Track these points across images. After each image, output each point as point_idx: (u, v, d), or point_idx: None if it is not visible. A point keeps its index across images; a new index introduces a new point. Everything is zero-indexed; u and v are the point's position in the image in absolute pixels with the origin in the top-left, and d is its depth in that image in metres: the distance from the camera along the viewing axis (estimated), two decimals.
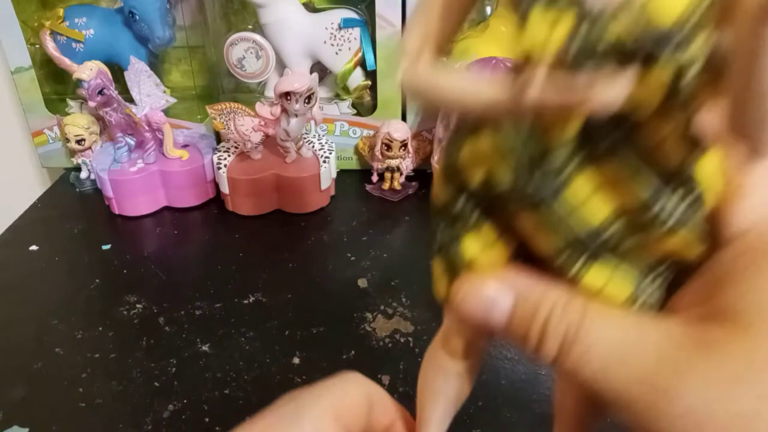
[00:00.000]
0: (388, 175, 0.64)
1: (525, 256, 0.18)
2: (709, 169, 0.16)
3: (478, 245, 0.18)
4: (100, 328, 0.46)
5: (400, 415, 0.25)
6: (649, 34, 0.13)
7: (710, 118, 0.14)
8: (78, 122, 0.64)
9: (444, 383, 0.23)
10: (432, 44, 0.16)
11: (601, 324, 0.16)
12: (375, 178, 0.65)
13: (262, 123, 0.59)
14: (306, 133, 0.65)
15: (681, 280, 0.17)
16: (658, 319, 0.16)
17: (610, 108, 0.13)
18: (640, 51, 0.13)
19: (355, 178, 0.67)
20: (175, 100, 0.61)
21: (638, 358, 0.15)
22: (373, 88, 0.66)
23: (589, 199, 0.16)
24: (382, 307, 0.48)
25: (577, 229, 0.16)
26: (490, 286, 0.18)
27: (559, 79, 0.13)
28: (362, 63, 0.65)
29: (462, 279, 0.19)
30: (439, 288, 0.20)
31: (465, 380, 0.23)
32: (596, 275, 0.17)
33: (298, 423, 0.22)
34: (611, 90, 0.12)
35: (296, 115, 0.58)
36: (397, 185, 0.64)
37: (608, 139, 0.15)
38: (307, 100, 0.57)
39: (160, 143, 0.62)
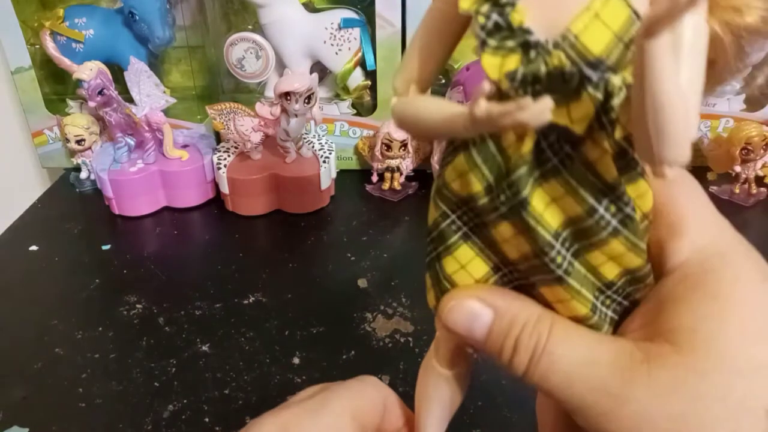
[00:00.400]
0: (388, 175, 0.64)
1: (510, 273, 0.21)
2: (641, 188, 0.19)
3: (456, 264, 0.21)
4: (100, 328, 0.46)
5: (408, 421, 0.27)
6: (583, 60, 0.16)
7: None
8: (78, 122, 0.64)
9: (435, 390, 0.25)
10: (416, 83, 0.20)
11: (565, 340, 0.19)
12: (375, 178, 0.65)
13: (262, 123, 0.59)
14: (306, 133, 0.65)
15: (632, 309, 0.20)
16: (612, 338, 0.19)
17: (545, 119, 0.15)
18: (576, 74, 0.16)
19: (355, 178, 0.67)
20: (174, 100, 0.61)
21: (595, 371, 0.18)
22: (373, 88, 0.66)
23: (545, 212, 0.19)
24: (382, 307, 0.48)
25: (540, 241, 0.19)
26: (473, 302, 0.20)
27: (510, 100, 0.16)
28: (362, 63, 0.65)
29: (448, 294, 0.21)
30: (429, 299, 0.22)
31: (455, 387, 0.25)
32: (559, 293, 0.20)
33: (319, 416, 0.24)
34: (544, 107, 0.15)
35: (296, 115, 0.58)
36: (397, 185, 0.64)
37: (555, 158, 0.18)
38: (307, 100, 0.57)
39: (160, 143, 0.62)
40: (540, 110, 0.15)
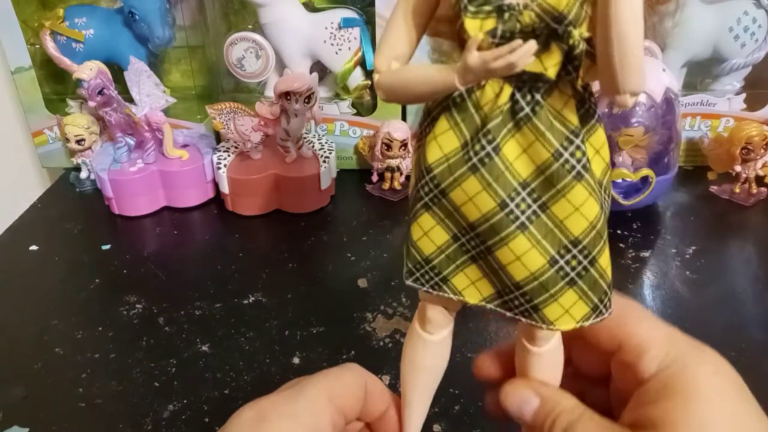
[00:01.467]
0: (388, 175, 0.64)
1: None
2: (601, 138, 0.23)
3: (420, 231, 0.25)
4: (100, 328, 0.46)
5: (394, 403, 0.30)
6: (549, 16, 0.19)
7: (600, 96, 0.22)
8: (78, 122, 0.64)
9: (423, 356, 0.28)
10: (396, 59, 0.23)
11: (581, 426, 0.25)
12: (375, 178, 0.65)
13: (262, 123, 0.59)
14: (306, 133, 0.65)
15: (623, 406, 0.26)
16: (614, 425, 0.25)
17: (529, 60, 0.19)
18: (545, 29, 0.20)
19: (355, 178, 0.67)
20: (174, 100, 0.61)
21: None
22: (373, 88, 0.66)
23: (516, 160, 0.22)
24: (382, 307, 0.48)
25: (507, 188, 0.22)
26: (526, 391, 0.27)
27: (490, 50, 0.19)
28: (362, 63, 0.65)
29: (509, 384, 0.27)
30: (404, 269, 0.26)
31: (440, 351, 0.28)
32: (522, 243, 0.23)
33: (295, 401, 0.25)
34: (529, 48, 0.18)
35: (296, 115, 0.58)
36: (397, 185, 0.64)
37: (527, 107, 0.21)
38: (306, 100, 0.57)
39: (160, 143, 0.62)
40: (527, 50, 0.18)
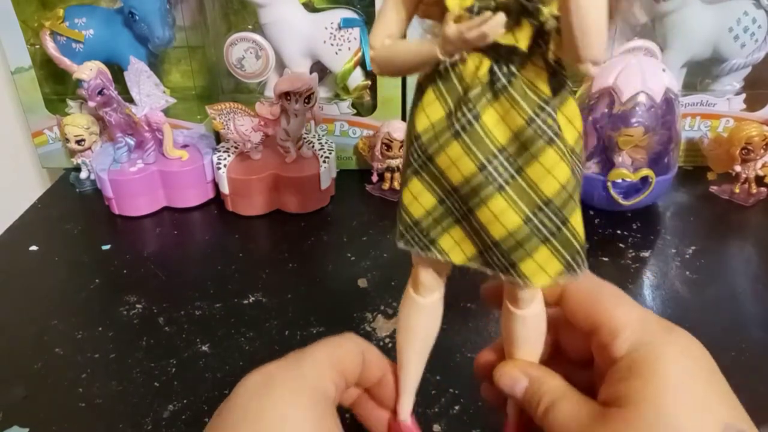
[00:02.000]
0: (388, 175, 0.64)
1: None
2: (572, 108, 0.25)
3: (410, 195, 0.27)
4: (100, 328, 0.46)
5: (391, 369, 0.32)
6: None
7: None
8: (78, 122, 0.64)
9: (417, 318, 0.31)
10: (389, 37, 0.25)
11: (565, 402, 0.28)
12: (375, 178, 0.65)
13: (262, 123, 0.59)
14: (306, 133, 0.65)
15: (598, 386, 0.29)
16: (589, 401, 0.28)
17: (500, 31, 0.21)
18: (517, 6, 0.22)
19: (355, 178, 0.67)
20: (174, 100, 0.61)
21: (575, 423, 0.27)
22: (373, 88, 0.66)
23: (494, 127, 0.24)
24: (382, 307, 0.48)
25: (486, 152, 0.24)
26: (517, 371, 0.30)
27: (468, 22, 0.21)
28: (362, 63, 0.65)
29: (502, 366, 0.31)
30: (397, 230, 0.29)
31: (432, 313, 0.31)
32: (499, 203, 0.25)
33: (300, 364, 0.28)
34: (499, 20, 0.21)
35: (296, 115, 0.58)
36: (397, 185, 0.64)
37: (504, 78, 0.24)
38: (306, 100, 0.57)
39: (160, 143, 0.62)
40: (497, 22, 0.21)
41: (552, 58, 0.23)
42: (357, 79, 0.66)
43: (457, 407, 0.39)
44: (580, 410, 0.27)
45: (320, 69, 0.66)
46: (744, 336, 0.44)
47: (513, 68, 0.24)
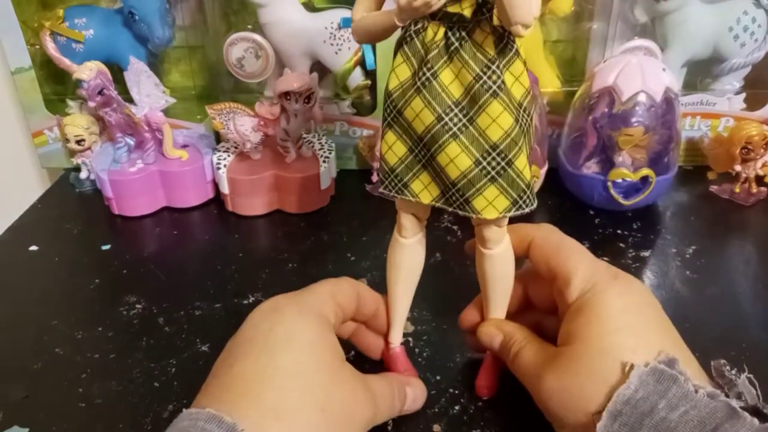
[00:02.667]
0: None
1: None
2: (519, 68, 0.29)
3: (386, 146, 0.32)
4: (100, 328, 0.46)
5: (383, 302, 0.39)
6: None
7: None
8: (78, 122, 0.64)
9: (401, 256, 0.37)
10: (367, 11, 0.30)
11: (525, 350, 0.34)
12: (375, 178, 0.65)
13: (262, 123, 0.59)
14: (306, 133, 0.65)
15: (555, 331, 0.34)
16: (547, 346, 0.33)
17: (439, 3, 0.26)
18: None
19: (355, 178, 0.67)
20: (174, 100, 0.61)
21: (533, 365, 0.33)
22: (372, 88, 0.66)
23: (450, 84, 0.29)
24: None
25: (442, 105, 0.29)
26: (494, 329, 0.37)
27: None
28: (362, 62, 0.65)
29: (482, 326, 0.38)
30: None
31: (415, 251, 0.37)
32: (454, 148, 0.30)
33: (304, 297, 0.33)
34: None
35: (296, 115, 0.58)
36: None
37: (456, 42, 0.28)
38: (306, 100, 0.57)
39: (160, 143, 0.62)
40: None
41: (497, 23, 0.28)
42: (357, 78, 0.66)
43: (457, 407, 0.39)
44: (537, 354, 0.33)
45: (320, 69, 0.66)
46: (744, 336, 0.44)
47: (464, 33, 0.28)
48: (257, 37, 0.63)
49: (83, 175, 0.67)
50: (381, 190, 0.34)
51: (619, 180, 0.56)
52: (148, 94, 0.60)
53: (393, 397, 0.34)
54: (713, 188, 0.63)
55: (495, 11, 0.27)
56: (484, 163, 0.29)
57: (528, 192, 0.31)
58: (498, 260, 0.34)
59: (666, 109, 0.55)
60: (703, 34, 0.63)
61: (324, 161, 0.61)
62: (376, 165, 0.64)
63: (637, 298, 0.31)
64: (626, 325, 0.30)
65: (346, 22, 0.62)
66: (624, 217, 0.59)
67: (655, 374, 0.27)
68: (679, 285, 0.50)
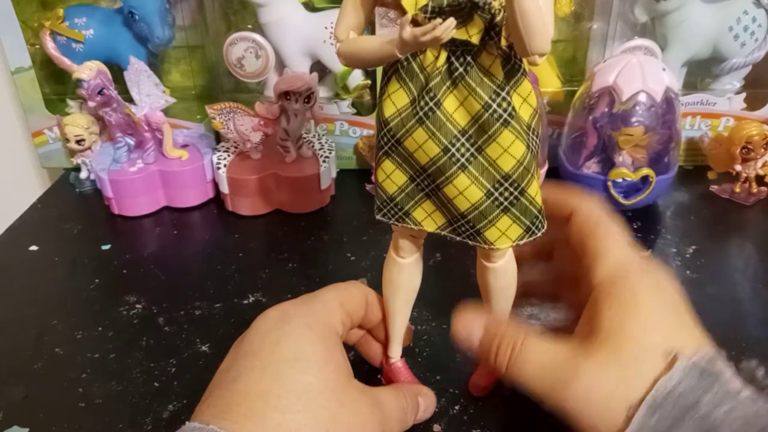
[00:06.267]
0: None
1: None
2: (527, 88, 0.27)
3: (383, 174, 0.30)
4: (100, 328, 0.46)
5: (369, 296, 0.36)
6: None
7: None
8: (78, 122, 0.64)
9: (398, 275, 0.35)
10: (353, 29, 0.28)
11: (529, 349, 0.29)
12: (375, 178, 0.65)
13: (262, 123, 0.59)
14: (306, 133, 0.65)
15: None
16: (560, 341, 0.29)
17: (451, 34, 0.23)
18: (468, 3, 0.24)
19: (355, 178, 0.67)
20: (174, 100, 0.61)
21: (549, 368, 0.28)
22: (372, 88, 0.66)
23: (454, 112, 0.27)
24: None
25: (448, 136, 0.27)
26: (470, 321, 0.32)
27: (423, 25, 0.23)
28: None
29: (457, 315, 0.33)
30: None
31: (412, 270, 0.35)
32: (463, 180, 0.28)
33: (313, 303, 0.31)
34: (449, 24, 0.23)
35: (296, 115, 0.58)
36: None
37: (461, 68, 0.26)
38: (306, 100, 0.57)
39: (160, 143, 0.62)
40: (447, 26, 0.23)
41: (505, 45, 0.26)
42: (357, 78, 0.66)
43: (457, 407, 0.38)
44: (554, 350, 0.29)
45: (320, 69, 0.66)
46: (744, 336, 0.44)
47: (469, 58, 0.26)
48: (257, 37, 0.63)
49: (83, 175, 0.67)
50: (379, 217, 0.32)
51: (620, 180, 0.56)
52: (148, 94, 0.60)
53: (404, 411, 0.33)
54: (713, 188, 0.63)
55: (504, 32, 0.25)
56: (496, 194, 0.28)
57: (540, 216, 0.29)
58: (501, 272, 0.33)
59: (666, 109, 0.55)
60: (703, 34, 0.63)
61: (324, 161, 0.61)
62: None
63: (670, 293, 0.30)
64: (661, 322, 0.29)
65: None
66: (624, 216, 0.59)
67: (698, 369, 0.26)
68: (679, 285, 0.50)
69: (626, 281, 0.29)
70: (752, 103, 0.66)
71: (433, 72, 0.26)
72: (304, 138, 0.64)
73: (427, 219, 0.31)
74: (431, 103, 0.26)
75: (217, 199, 0.63)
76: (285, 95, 0.56)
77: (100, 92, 0.57)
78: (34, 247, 0.57)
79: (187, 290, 0.50)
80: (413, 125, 0.27)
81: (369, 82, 0.66)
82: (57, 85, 0.69)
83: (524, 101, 0.27)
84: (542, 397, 0.28)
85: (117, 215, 0.61)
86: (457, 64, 0.26)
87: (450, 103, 0.27)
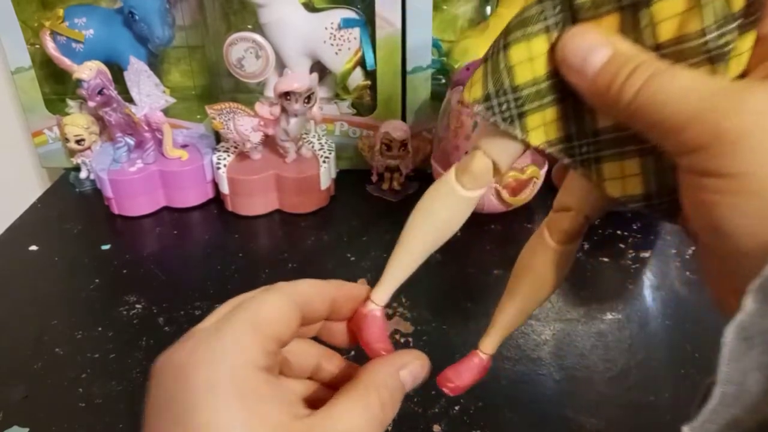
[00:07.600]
0: (388, 175, 0.64)
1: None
2: (748, 44, 0.20)
3: (526, 53, 0.22)
4: (100, 328, 0.46)
5: (336, 289, 0.27)
6: None
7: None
8: (78, 122, 0.64)
9: (443, 206, 0.26)
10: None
11: (675, 73, 0.19)
12: (375, 178, 0.65)
13: (262, 123, 0.59)
14: (306, 133, 0.65)
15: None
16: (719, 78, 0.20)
17: None
18: None
19: (355, 178, 0.67)
20: (174, 100, 0.61)
21: (703, 90, 0.18)
22: (372, 88, 0.66)
23: (663, 20, 0.20)
24: None
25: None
26: (595, 36, 0.21)
27: None
28: (362, 63, 0.65)
29: (572, 28, 0.21)
30: (467, 94, 0.23)
31: (464, 209, 0.25)
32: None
33: (221, 338, 0.23)
34: None
35: (296, 115, 0.58)
36: (397, 185, 0.64)
37: None
38: (306, 100, 0.57)
39: (160, 143, 0.62)
40: None
41: None
42: (357, 79, 0.66)
43: (457, 407, 0.39)
44: (706, 82, 0.19)
45: (320, 69, 0.66)
46: None
47: None
48: (257, 37, 0.63)
49: (83, 174, 0.67)
50: (479, 107, 0.23)
51: None
52: (148, 94, 0.60)
53: (382, 416, 0.24)
54: None
55: None
56: None
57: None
58: (570, 258, 0.26)
59: None
60: None
61: (324, 161, 0.61)
62: (376, 165, 0.64)
63: None
64: None
65: (346, 23, 0.62)
66: (624, 217, 0.59)
67: None
68: (679, 285, 0.50)
69: None
70: None
71: None
72: (304, 138, 0.64)
73: (539, 129, 0.23)
74: None
75: (217, 199, 0.63)
76: (285, 95, 0.56)
77: (100, 92, 0.57)
78: (34, 247, 0.57)
79: (187, 290, 0.50)
80: (608, 9, 0.21)
81: (369, 82, 0.66)
82: (57, 85, 0.69)
83: (739, 55, 0.21)
84: (681, 126, 0.19)
85: (117, 215, 0.62)
86: None
87: (666, 8, 0.20)
